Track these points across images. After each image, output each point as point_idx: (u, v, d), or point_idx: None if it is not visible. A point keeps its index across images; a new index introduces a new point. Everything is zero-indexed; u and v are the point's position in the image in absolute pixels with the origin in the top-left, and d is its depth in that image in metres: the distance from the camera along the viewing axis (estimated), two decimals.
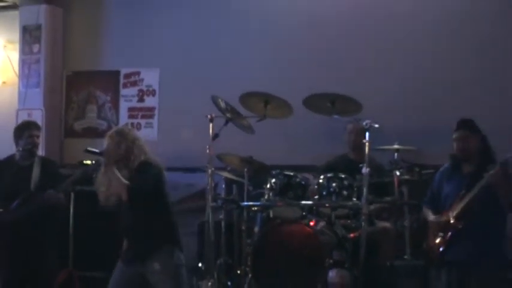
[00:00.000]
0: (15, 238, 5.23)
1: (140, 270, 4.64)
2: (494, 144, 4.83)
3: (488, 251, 4.51)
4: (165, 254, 4.63)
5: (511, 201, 4.60)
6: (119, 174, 4.56)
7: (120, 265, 4.72)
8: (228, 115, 5.62)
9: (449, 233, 4.58)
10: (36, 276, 5.37)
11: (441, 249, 4.62)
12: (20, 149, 5.50)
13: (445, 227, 4.63)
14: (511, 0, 6.60)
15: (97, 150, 4.69)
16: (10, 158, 5.58)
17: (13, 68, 7.78)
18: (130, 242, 4.74)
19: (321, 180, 5.41)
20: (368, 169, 5.05)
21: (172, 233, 4.77)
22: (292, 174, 5.50)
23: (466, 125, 4.77)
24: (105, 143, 4.72)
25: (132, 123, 7.50)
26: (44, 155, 6.72)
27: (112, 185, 4.57)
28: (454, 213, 4.58)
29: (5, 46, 7.89)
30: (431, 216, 4.81)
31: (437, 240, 4.66)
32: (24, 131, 5.52)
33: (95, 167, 5.13)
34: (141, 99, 7.53)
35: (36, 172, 5.41)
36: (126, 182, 4.54)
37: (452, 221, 4.58)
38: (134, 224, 4.66)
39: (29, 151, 5.47)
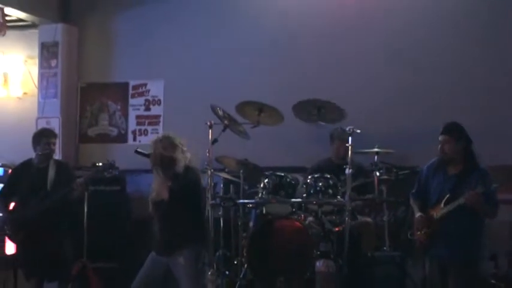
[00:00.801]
0: (33, 233, 5.20)
1: (167, 263, 4.63)
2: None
3: (466, 248, 4.41)
4: (192, 251, 4.62)
5: (492, 218, 4.49)
6: (163, 175, 4.56)
7: (153, 253, 4.72)
8: (226, 122, 5.61)
9: (431, 230, 4.48)
10: (54, 267, 5.33)
11: (423, 242, 4.53)
12: (39, 153, 5.47)
13: (428, 225, 4.51)
14: (501, 3, 6.43)
15: (145, 152, 4.68)
16: (29, 161, 5.57)
17: (33, 80, 7.78)
18: (163, 236, 4.68)
19: (308, 181, 5.42)
20: (351, 170, 5.06)
21: (201, 233, 4.78)
22: (283, 174, 5.53)
23: (447, 130, 4.56)
24: (152, 146, 4.69)
25: (139, 130, 7.51)
26: (60, 158, 6.69)
27: (156, 184, 4.60)
28: (438, 215, 4.45)
29: (25, 61, 7.88)
30: (417, 213, 4.65)
31: (421, 234, 4.55)
32: (41, 137, 5.50)
33: (105, 168, 5.11)
34: (147, 108, 7.52)
35: (51, 173, 5.39)
36: (169, 182, 4.54)
37: (434, 222, 4.46)
38: (169, 221, 4.63)
39: (46, 156, 5.45)
